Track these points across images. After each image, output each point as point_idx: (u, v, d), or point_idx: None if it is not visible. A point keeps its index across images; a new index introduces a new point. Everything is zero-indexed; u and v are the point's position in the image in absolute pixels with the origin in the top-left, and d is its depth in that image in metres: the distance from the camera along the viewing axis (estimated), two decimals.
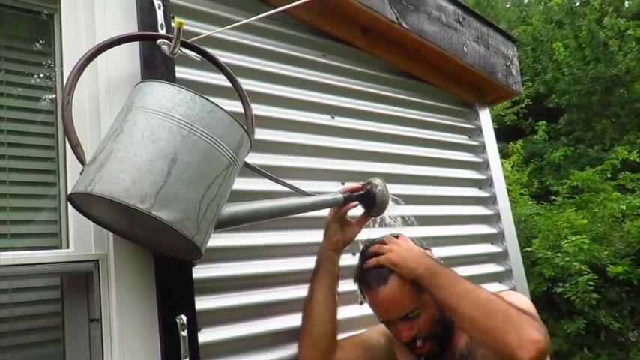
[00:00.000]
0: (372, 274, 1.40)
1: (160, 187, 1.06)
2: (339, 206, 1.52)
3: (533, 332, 1.14)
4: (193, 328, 1.30)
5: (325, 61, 1.98)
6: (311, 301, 1.48)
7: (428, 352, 1.38)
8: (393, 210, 1.60)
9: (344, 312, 1.56)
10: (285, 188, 1.53)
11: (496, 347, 1.17)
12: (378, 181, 1.57)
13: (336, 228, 1.52)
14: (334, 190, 1.64)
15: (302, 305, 1.50)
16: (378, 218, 1.60)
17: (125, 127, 1.12)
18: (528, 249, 5.62)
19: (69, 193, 1.12)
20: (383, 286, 1.36)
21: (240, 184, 1.35)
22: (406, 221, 1.68)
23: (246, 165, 1.39)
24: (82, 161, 1.14)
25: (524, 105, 9.96)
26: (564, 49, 9.59)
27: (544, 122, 9.78)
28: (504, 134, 10.10)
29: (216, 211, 1.18)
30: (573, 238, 5.27)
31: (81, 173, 1.11)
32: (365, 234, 1.58)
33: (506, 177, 7.51)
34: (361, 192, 1.56)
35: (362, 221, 1.57)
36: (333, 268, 1.50)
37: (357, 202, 1.56)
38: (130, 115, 1.15)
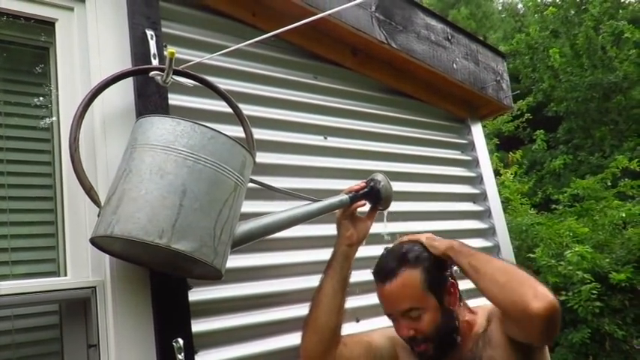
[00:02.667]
0: (383, 267, 1.43)
1: (175, 219, 1.11)
2: (346, 207, 1.57)
3: (548, 291, 1.21)
4: (190, 351, 1.33)
5: (317, 83, 2.03)
6: (320, 292, 1.50)
7: (424, 353, 1.39)
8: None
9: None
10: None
11: (512, 299, 1.23)
12: (380, 177, 1.63)
13: (347, 224, 1.57)
14: None
15: (299, 324, 1.52)
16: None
17: (133, 166, 1.17)
18: (532, 255, 5.60)
19: (91, 237, 1.18)
20: (391, 279, 1.39)
21: (247, 206, 1.38)
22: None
23: (252, 180, 1.43)
24: (97, 203, 1.21)
25: (524, 119, 9.97)
26: (561, 56, 9.65)
27: (542, 131, 9.79)
28: (503, 143, 10.13)
29: (231, 232, 1.24)
30: (577, 248, 5.25)
31: (98, 215, 1.17)
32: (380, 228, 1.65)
33: (507, 187, 7.57)
34: (365, 189, 1.61)
35: (371, 215, 1.63)
36: (345, 263, 1.53)
37: (364, 202, 1.61)
38: (136, 153, 1.19)
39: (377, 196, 1.62)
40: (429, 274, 1.40)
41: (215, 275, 1.23)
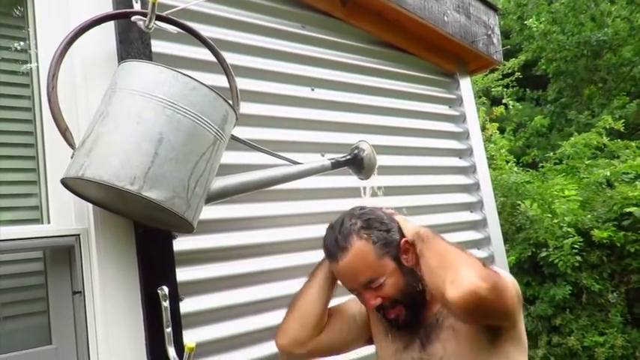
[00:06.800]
0: (333, 245, 1.34)
1: (148, 167, 1.10)
2: (327, 171, 1.55)
3: (473, 276, 1.12)
4: (175, 299, 1.35)
5: (305, 33, 1.98)
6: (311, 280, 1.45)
7: (397, 318, 1.35)
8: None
9: None
10: (272, 160, 1.56)
11: (436, 284, 1.20)
12: (365, 145, 1.61)
13: None
14: None
15: (281, 275, 1.53)
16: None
17: (110, 110, 1.15)
18: (519, 203, 5.63)
19: (62, 177, 1.15)
20: (342, 256, 1.32)
21: (228, 157, 1.37)
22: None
23: (233, 137, 1.41)
24: (71, 145, 1.18)
25: (514, 78, 9.86)
26: (548, 14, 9.48)
27: (515, 100, 9.62)
28: (492, 102, 10.08)
29: (206, 186, 1.22)
30: (567, 199, 5.29)
31: (72, 157, 1.14)
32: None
33: (494, 142, 7.57)
34: (349, 157, 1.59)
35: None
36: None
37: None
38: (115, 97, 1.17)
39: (359, 165, 1.59)
40: (378, 239, 1.33)
41: (187, 228, 1.23)
